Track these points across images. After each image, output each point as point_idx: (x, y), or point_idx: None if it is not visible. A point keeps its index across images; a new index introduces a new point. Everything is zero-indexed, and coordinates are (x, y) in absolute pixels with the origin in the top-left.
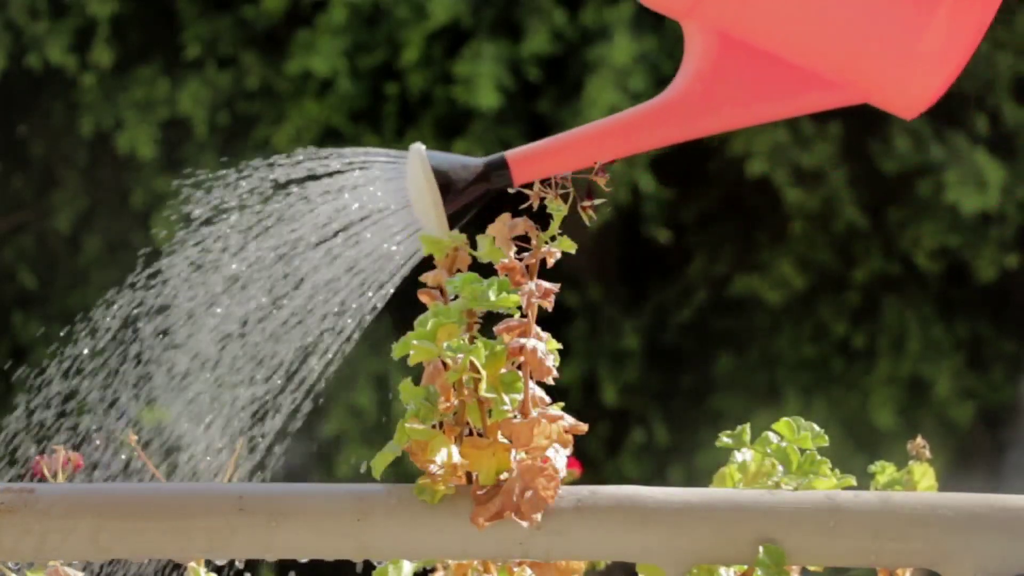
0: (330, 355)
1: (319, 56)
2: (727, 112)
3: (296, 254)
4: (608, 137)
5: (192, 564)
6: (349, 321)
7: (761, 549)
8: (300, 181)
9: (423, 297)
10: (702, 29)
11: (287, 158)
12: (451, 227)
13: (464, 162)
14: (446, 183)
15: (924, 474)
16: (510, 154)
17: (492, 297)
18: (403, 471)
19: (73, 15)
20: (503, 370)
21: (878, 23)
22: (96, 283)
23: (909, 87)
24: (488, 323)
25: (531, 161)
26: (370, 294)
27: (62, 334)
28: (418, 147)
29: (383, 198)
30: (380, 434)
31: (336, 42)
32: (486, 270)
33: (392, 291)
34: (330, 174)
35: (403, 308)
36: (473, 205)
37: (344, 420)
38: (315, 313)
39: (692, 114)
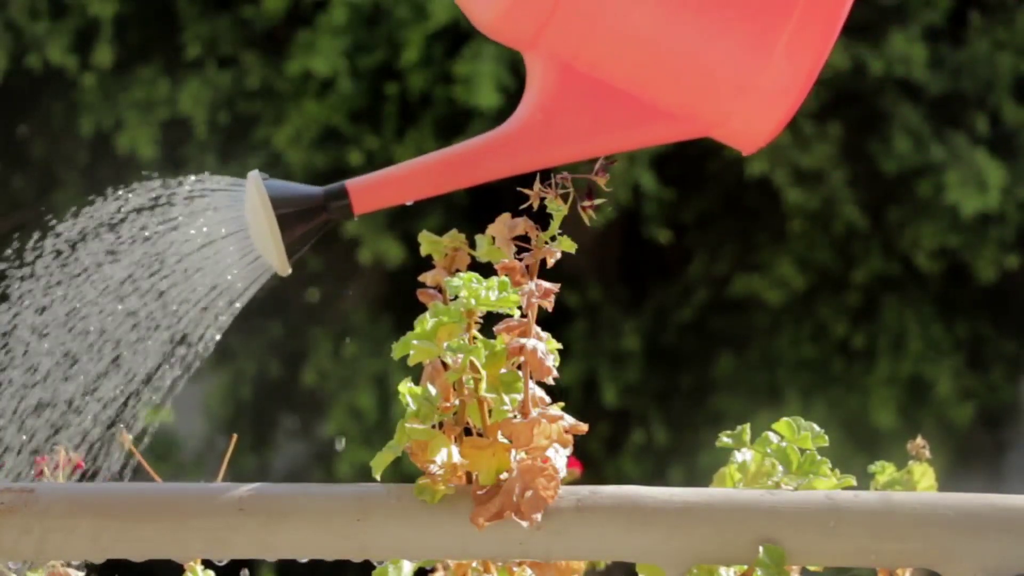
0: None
1: (319, 56)
2: (569, 143)
3: (134, 282)
4: (448, 168)
5: (191, 564)
6: (184, 348)
7: (761, 549)
8: (140, 210)
9: (422, 297)
10: (543, 59)
11: (138, 187)
12: (289, 257)
13: (303, 191)
14: (285, 213)
15: (924, 474)
16: (351, 183)
17: (492, 297)
18: (403, 471)
19: (73, 15)
20: (503, 370)
21: (718, 58)
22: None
23: (751, 121)
24: (488, 323)
25: (371, 190)
26: (206, 325)
27: None
28: (255, 175)
29: (221, 226)
30: (380, 435)
31: (336, 42)
32: (486, 270)
33: (231, 318)
34: (165, 204)
35: (404, 309)
36: (311, 235)
37: (344, 421)
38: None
39: (533, 145)
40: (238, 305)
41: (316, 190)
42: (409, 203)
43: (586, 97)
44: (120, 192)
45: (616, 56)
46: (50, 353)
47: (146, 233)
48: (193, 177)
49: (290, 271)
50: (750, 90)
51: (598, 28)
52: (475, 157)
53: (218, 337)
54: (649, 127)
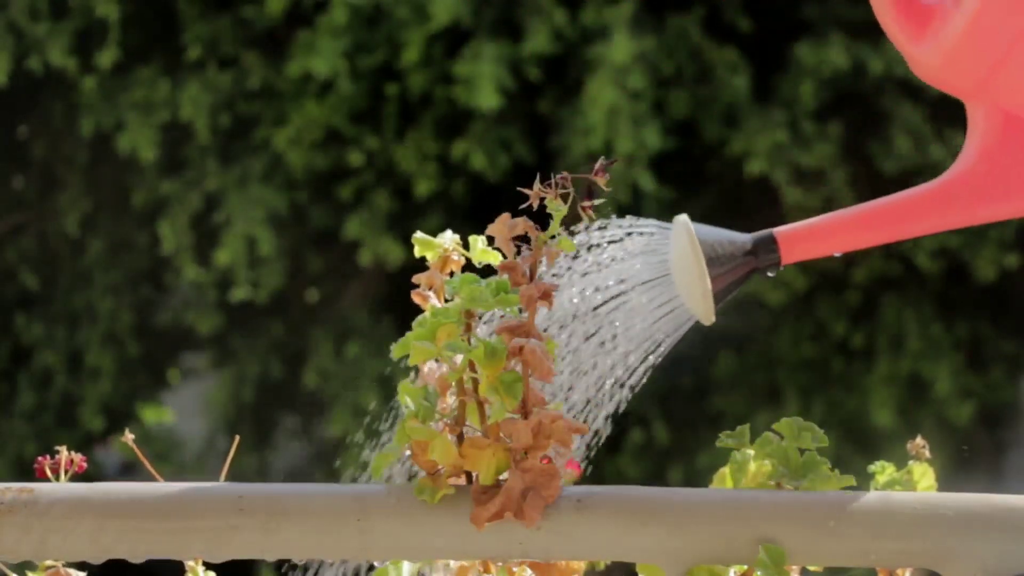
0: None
1: (319, 58)
2: (1010, 198)
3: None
4: (882, 220)
5: (191, 564)
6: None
7: (761, 549)
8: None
9: (416, 298)
10: (987, 108)
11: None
12: (716, 304)
13: (731, 238)
14: (712, 257)
15: (924, 474)
16: (780, 233)
17: (491, 297)
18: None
19: (74, 16)
20: (503, 370)
21: None
22: (100, 284)
23: None
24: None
25: (801, 240)
26: (634, 361)
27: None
28: (685, 220)
29: (644, 270)
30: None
31: (336, 43)
32: (483, 270)
33: (655, 363)
34: (601, 244)
35: (405, 310)
36: (739, 283)
37: (347, 422)
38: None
39: (973, 198)
40: (656, 356)
41: (744, 238)
42: (837, 255)
43: None
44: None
45: None
46: None
47: (586, 268)
48: (628, 220)
49: (714, 319)
50: None
51: None
52: (911, 209)
53: (631, 391)
54: None
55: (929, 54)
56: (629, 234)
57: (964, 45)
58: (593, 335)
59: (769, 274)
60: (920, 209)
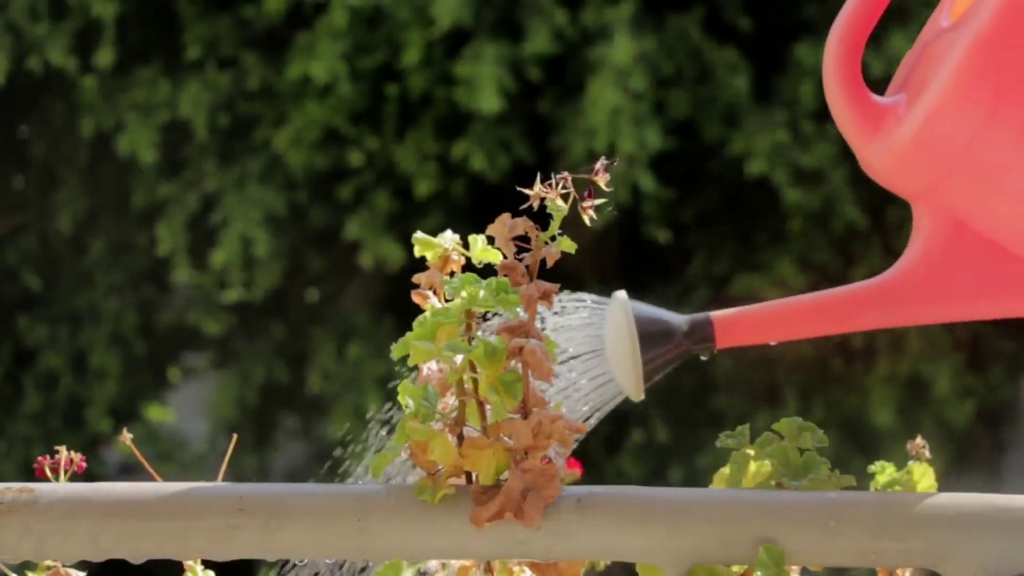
0: None
1: (318, 61)
2: (950, 302)
3: None
4: (821, 314)
5: (191, 563)
6: None
7: (761, 549)
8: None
9: (416, 298)
10: (933, 212)
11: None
12: (646, 382)
13: (668, 318)
14: (647, 337)
15: (924, 474)
16: (717, 317)
17: (491, 297)
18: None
19: (73, 16)
20: (503, 370)
21: None
22: (102, 285)
23: None
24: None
25: (738, 327)
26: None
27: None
28: (623, 298)
29: (582, 343)
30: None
31: (336, 46)
32: (483, 270)
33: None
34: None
35: (406, 311)
36: (670, 363)
37: (349, 423)
38: None
39: (913, 299)
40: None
41: (680, 319)
42: (772, 343)
43: (975, 257)
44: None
45: (1016, 221)
46: None
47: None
48: (565, 294)
49: (643, 397)
50: None
51: (1000, 190)
52: (850, 306)
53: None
54: None
55: (880, 156)
56: (565, 308)
57: (915, 150)
58: None
59: (702, 357)
60: (860, 307)
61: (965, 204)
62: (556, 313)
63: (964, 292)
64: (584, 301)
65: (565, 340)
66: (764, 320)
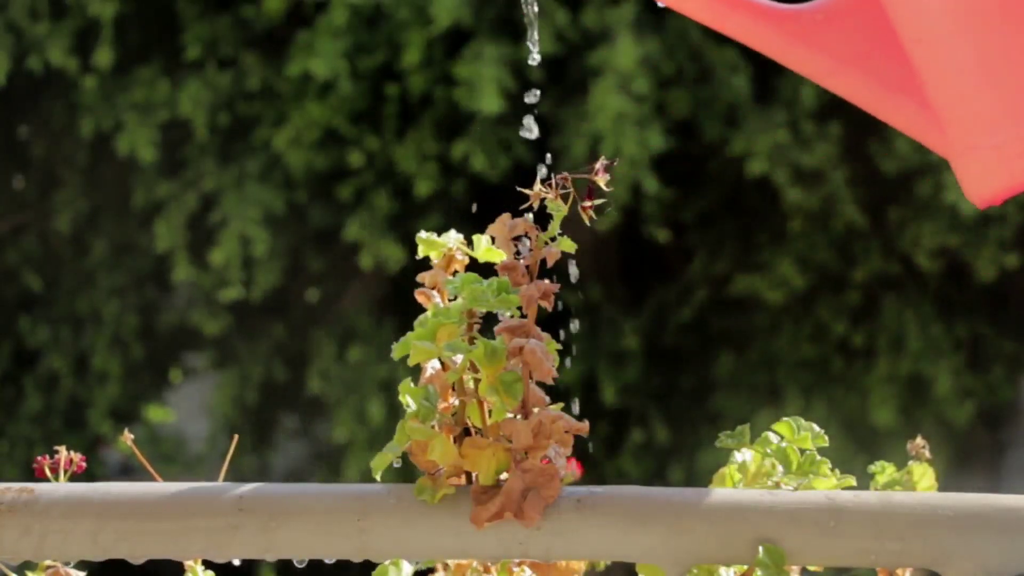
0: None
1: (319, 59)
2: (824, 58)
3: None
4: (741, 10)
5: (191, 564)
6: None
7: (761, 549)
8: None
9: (419, 298)
10: None
11: None
12: None
13: None
14: None
15: (924, 474)
16: None
17: (492, 297)
18: (404, 472)
19: (73, 16)
20: (503, 370)
21: (997, 91)
22: (104, 286)
23: (987, 170)
24: (488, 323)
25: None
26: None
27: None
28: None
29: None
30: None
31: (336, 45)
32: (485, 270)
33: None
34: None
35: (407, 312)
36: None
37: (350, 425)
38: None
39: (794, 36)
40: None
41: None
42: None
43: (869, 30)
44: None
45: (917, 16)
46: None
47: None
48: None
49: None
50: (1001, 136)
51: None
52: (755, 15)
53: None
54: (902, 100)
55: None
56: None
57: None
58: None
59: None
60: (749, 15)
61: None
62: None
63: (841, 56)
64: None
65: None
66: None
